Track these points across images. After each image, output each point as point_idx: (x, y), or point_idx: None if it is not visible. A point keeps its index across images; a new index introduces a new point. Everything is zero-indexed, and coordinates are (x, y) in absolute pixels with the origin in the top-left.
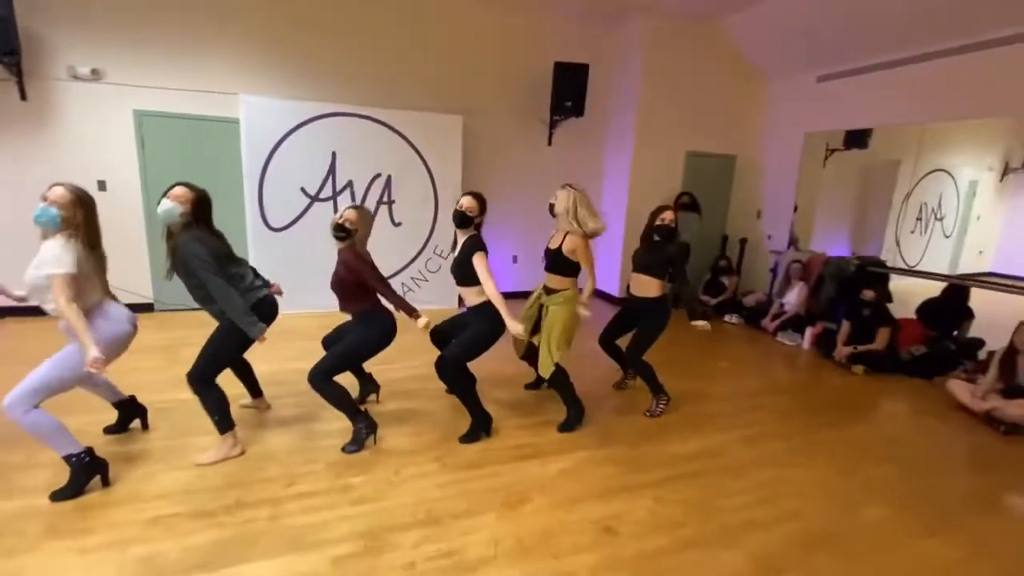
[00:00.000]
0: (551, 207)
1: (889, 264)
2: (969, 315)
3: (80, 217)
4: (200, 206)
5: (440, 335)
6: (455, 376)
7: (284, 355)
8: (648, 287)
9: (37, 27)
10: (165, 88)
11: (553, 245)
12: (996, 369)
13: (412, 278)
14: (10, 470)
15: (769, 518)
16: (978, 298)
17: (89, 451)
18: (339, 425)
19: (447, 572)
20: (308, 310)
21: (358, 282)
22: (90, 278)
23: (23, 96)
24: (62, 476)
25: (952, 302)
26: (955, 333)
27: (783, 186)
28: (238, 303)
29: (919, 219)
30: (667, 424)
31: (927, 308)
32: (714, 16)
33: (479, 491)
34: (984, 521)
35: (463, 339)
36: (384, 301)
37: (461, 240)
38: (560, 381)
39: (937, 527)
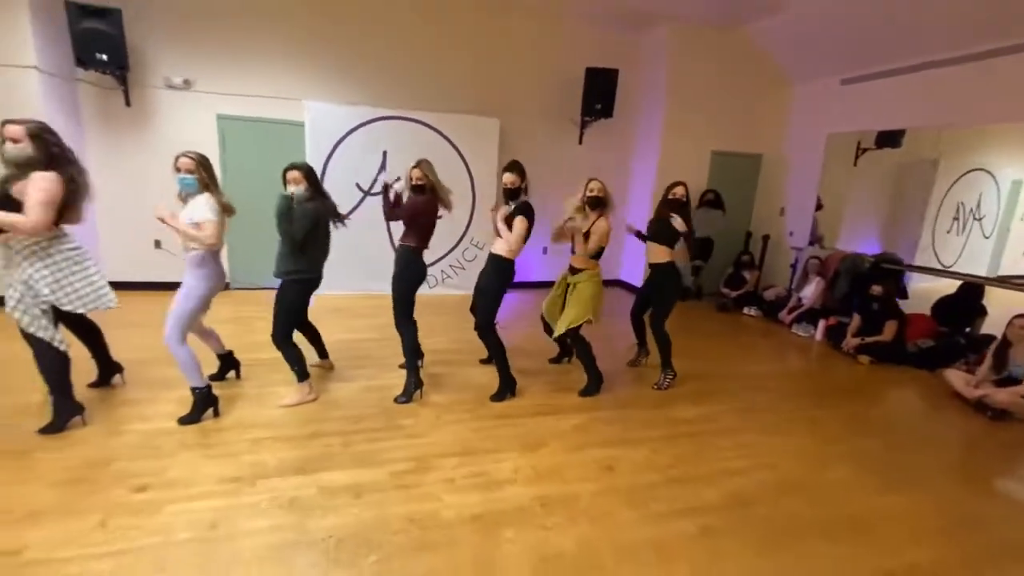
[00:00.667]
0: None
1: (923, 264)
2: (982, 312)
3: (206, 175)
4: (314, 182)
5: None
6: (488, 335)
7: (340, 327)
8: (658, 254)
9: (140, 42)
10: (242, 95)
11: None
12: (990, 360)
13: (450, 266)
14: (140, 404)
15: (747, 468)
16: (1004, 297)
17: (209, 387)
18: (389, 382)
19: (478, 487)
20: (357, 291)
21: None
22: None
23: (128, 102)
24: (182, 408)
25: (966, 299)
26: (968, 329)
27: (806, 185)
28: None
29: (956, 219)
30: (673, 396)
31: (941, 305)
32: (738, 23)
33: (505, 435)
34: (943, 486)
35: (483, 305)
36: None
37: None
38: (583, 350)
39: (896, 487)
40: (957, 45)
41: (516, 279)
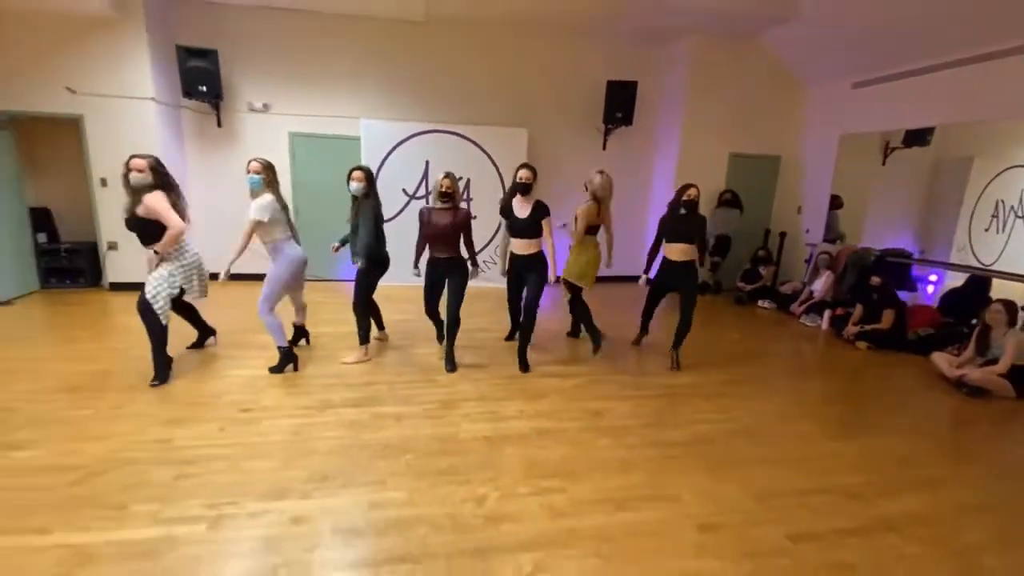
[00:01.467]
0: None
1: (960, 263)
2: (988, 303)
3: (270, 177)
4: (371, 182)
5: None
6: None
7: (391, 310)
8: (685, 252)
9: (230, 75)
10: (309, 115)
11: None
12: (974, 344)
13: (483, 261)
14: (238, 360)
15: (718, 420)
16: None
17: (291, 346)
18: (427, 351)
19: (489, 420)
20: (402, 283)
21: (460, 233)
22: (278, 222)
23: (219, 124)
24: (270, 363)
25: (973, 292)
26: (973, 321)
27: (821, 184)
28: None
29: (995, 216)
30: (668, 366)
31: (948, 297)
32: (754, 33)
33: (514, 388)
34: (895, 438)
35: (533, 290)
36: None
37: (525, 205)
38: (582, 311)
39: (849, 436)
40: (964, 47)
41: None
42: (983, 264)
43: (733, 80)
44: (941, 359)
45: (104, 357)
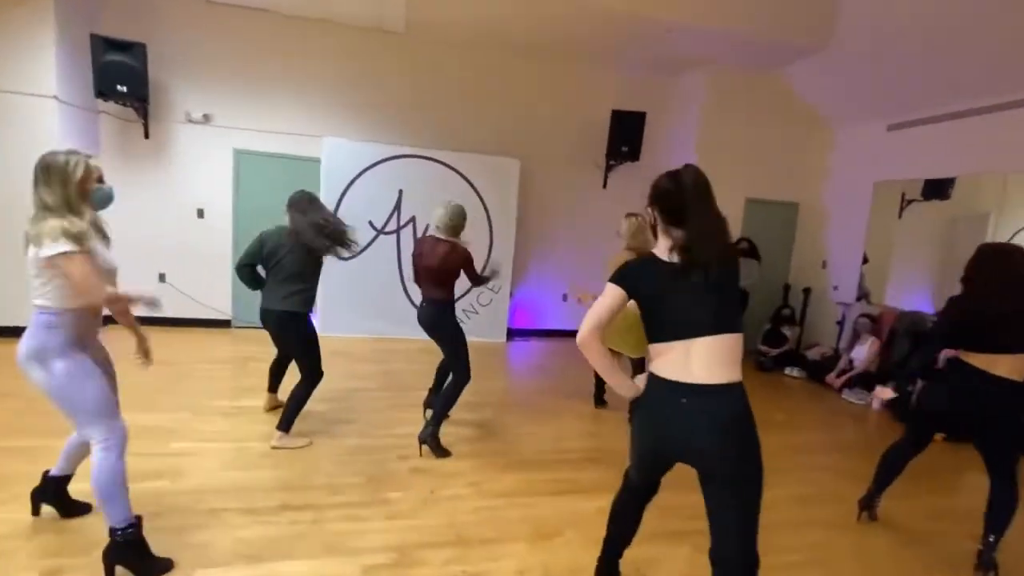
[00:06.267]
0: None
1: None
2: None
3: None
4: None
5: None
6: None
7: (337, 373)
8: None
9: (162, 78)
10: (260, 130)
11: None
12: None
13: (463, 310)
14: None
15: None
16: None
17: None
18: (379, 439)
19: None
20: (360, 335)
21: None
22: None
23: (147, 135)
24: None
25: None
26: None
27: (851, 236)
28: None
29: None
30: None
31: None
32: (777, 65)
33: (511, 519)
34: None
35: None
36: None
37: None
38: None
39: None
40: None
41: (534, 326)
42: None
43: (751, 117)
44: None
45: None
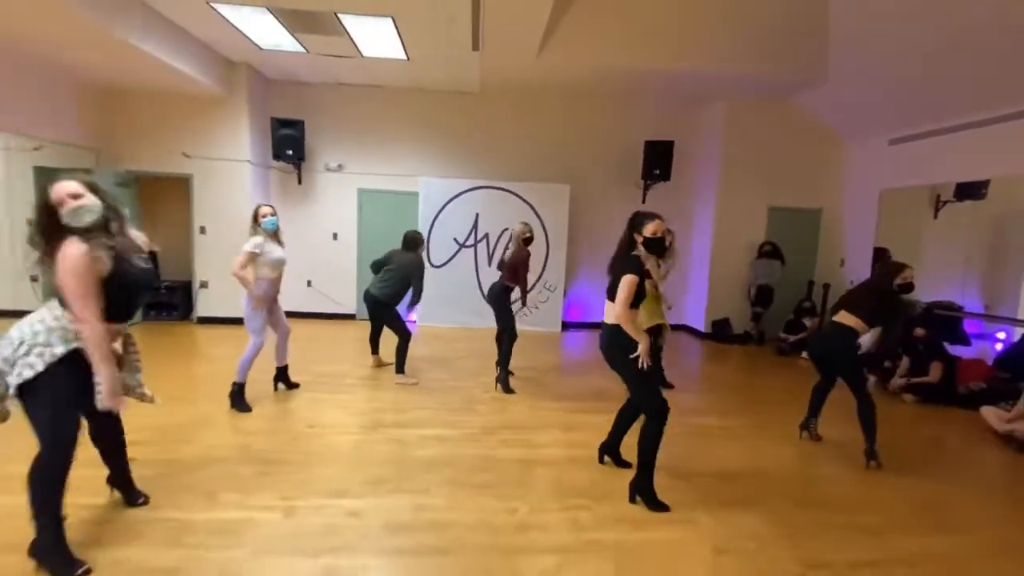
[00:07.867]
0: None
1: None
2: None
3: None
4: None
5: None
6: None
7: (432, 350)
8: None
9: (311, 140)
10: (376, 174)
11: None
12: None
13: (527, 308)
14: (300, 387)
15: (746, 460)
16: None
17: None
18: (470, 384)
19: (524, 445)
20: (449, 325)
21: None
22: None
23: (299, 182)
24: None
25: None
26: None
27: (863, 238)
28: None
29: None
30: (702, 410)
31: (1009, 351)
32: (788, 95)
33: (551, 418)
34: (928, 486)
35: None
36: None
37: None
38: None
39: (875, 482)
40: (1004, 104)
41: (584, 320)
42: None
43: (769, 138)
44: (991, 413)
45: (197, 378)
